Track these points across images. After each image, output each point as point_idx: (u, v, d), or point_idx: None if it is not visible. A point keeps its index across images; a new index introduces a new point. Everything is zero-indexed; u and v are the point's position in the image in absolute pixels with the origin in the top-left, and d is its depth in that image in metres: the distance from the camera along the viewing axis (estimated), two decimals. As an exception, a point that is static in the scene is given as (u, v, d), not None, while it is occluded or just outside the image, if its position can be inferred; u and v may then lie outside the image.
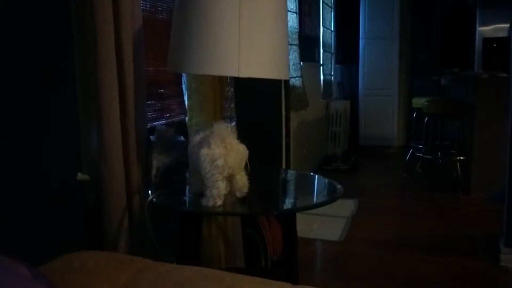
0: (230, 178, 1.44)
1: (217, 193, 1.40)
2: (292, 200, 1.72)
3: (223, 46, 1.40)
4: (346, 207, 3.79)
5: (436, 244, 3.04)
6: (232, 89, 1.66)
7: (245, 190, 1.47)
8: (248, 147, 1.50)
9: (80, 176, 1.55)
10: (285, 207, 1.65)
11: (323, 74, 5.74)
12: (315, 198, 1.74)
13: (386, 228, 3.39)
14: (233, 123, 1.66)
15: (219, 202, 1.41)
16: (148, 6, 2.01)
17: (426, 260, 2.79)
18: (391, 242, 3.10)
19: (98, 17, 1.44)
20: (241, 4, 1.41)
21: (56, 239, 1.46)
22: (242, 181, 1.45)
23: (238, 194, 1.47)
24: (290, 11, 4.07)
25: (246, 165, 1.50)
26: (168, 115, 2.21)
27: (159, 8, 2.12)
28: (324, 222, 3.45)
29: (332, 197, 1.56)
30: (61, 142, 1.48)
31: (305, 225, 3.30)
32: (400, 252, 2.92)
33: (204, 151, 1.39)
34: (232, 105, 1.66)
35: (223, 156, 1.37)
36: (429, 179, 4.83)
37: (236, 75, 1.43)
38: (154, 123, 2.05)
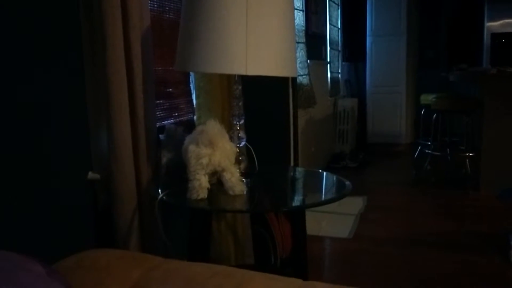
0: (220, 177, 1.51)
1: (198, 185, 1.46)
2: (301, 197, 1.73)
3: (231, 45, 1.41)
4: (354, 204, 3.78)
5: (446, 241, 3.03)
6: (240, 87, 1.66)
7: (239, 188, 1.50)
8: (257, 145, 1.51)
9: (90, 175, 1.57)
10: (294, 204, 1.65)
11: (331, 72, 5.72)
12: (324, 195, 1.73)
13: (395, 225, 3.38)
14: (242, 121, 1.67)
15: (202, 195, 1.46)
16: (155, 6, 2.03)
17: (435, 257, 2.78)
18: (400, 239, 3.09)
19: (107, 18, 1.46)
20: (248, 2, 1.42)
21: (67, 238, 1.48)
22: (231, 181, 1.49)
23: (231, 193, 1.50)
24: (297, 9, 4.07)
25: (254, 165, 1.51)
26: (176, 114, 2.22)
27: (167, 8, 2.13)
28: (333, 220, 3.45)
29: (341, 193, 1.56)
30: (71, 142, 1.49)
31: (314, 223, 3.31)
32: (409, 249, 2.92)
33: (192, 147, 1.48)
34: (240, 103, 1.66)
35: (208, 156, 1.46)
36: (438, 176, 4.81)
37: (243, 73, 1.44)
38: (163, 122, 2.06)
